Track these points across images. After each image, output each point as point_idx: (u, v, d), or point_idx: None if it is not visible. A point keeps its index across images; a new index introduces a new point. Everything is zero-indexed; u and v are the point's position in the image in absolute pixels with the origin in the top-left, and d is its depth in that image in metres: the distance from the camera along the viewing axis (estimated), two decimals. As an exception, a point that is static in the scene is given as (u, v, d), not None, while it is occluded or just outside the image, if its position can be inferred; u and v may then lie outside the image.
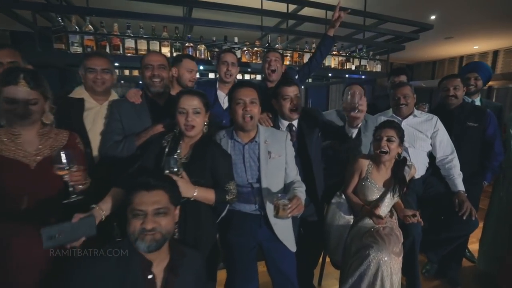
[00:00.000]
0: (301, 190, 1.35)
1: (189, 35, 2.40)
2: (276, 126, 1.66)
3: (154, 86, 1.55)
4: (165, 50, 2.34)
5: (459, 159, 1.82)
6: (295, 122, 1.66)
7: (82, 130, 1.48)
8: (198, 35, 2.59)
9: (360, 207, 1.54)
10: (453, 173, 1.79)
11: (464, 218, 1.62)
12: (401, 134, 1.51)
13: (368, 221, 1.50)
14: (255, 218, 1.35)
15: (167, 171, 1.13)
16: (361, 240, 1.41)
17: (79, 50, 2.08)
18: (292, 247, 1.36)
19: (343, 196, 1.65)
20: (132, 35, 2.22)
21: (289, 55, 2.72)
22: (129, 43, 2.23)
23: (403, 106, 1.84)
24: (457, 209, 1.67)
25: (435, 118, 1.88)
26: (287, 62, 2.70)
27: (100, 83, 1.52)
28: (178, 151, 1.30)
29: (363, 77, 3.03)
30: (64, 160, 1.06)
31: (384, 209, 1.51)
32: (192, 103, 1.23)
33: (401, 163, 1.53)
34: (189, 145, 1.30)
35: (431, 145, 1.87)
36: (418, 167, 1.84)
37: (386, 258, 1.31)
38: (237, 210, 1.39)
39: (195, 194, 1.16)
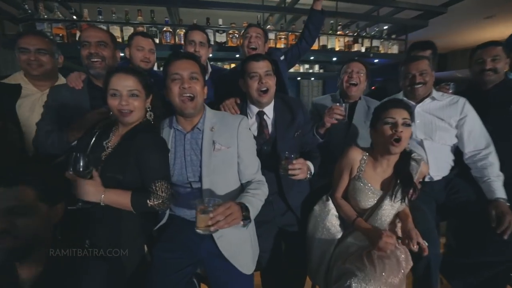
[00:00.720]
0: (255, 193, 0.99)
1: (166, 18, 2.16)
2: (244, 114, 1.32)
3: (94, 68, 1.30)
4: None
5: (498, 156, 1.33)
6: (267, 110, 1.31)
7: (14, 119, 1.29)
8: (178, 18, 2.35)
9: (351, 218, 1.14)
10: (488, 173, 1.30)
11: (505, 237, 1.14)
12: (412, 119, 1.09)
13: (360, 237, 1.10)
14: (192, 235, 1.01)
15: (71, 172, 0.87)
16: (345, 263, 1.02)
17: (48, 39, 1.94)
18: (245, 268, 1.01)
19: (331, 202, 1.25)
20: (103, 20, 2.04)
21: (283, 37, 2.36)
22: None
23: (420, 86, 1.39)
24: (494, 224, 1.18)
25: (462, 100, 1.40)
26: (281, 45, 2.35)
27: (36, 66, 1.31)
28: (106, 140, 1.04)
29: (375, 60, 2.56)
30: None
31: (383, 221, 1.10)
32: (126, 84, 0.97)
33: (405, 156, 1.10)
34: (121, 134, 1.03)
35: (456, 137, 1.40)
36: (438, 165, 1.39)
37: None
38: (176, 216, 1.08)
39: (102, 197, 0.88)
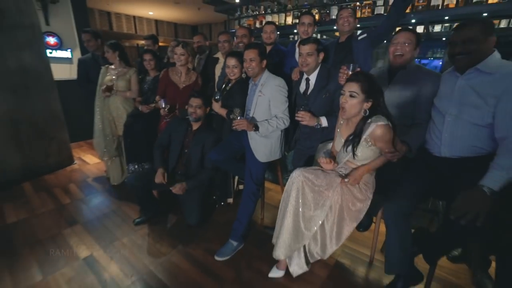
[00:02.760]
0: (270, 121, 1.81)
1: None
2: (301, 78, 2.00)
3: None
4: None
5: None
6: (312, 77, 1.90)
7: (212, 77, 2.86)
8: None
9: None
10: (496, 159, 1.12)
11: (452, 217, 1.11)
12: (366, 88, 1.32)
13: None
14: (244, 132, 1.96)
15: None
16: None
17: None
18: (259, 158, 1.91)
19: (325, 144, 1.74)
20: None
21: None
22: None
23: (461, 56, 1.30)
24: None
25: None
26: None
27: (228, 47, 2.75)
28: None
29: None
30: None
31: (341, 160, 1.51)
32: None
33: (362, 119, 1.36)
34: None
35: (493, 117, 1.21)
36: (452, 143, 1.33)
37: (298, 175, 1.51)
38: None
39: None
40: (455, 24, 2.06)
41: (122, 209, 2.49)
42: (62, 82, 3.83)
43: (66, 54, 4.62)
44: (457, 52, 1.29)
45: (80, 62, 3.07)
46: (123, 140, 2.75)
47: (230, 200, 2.57)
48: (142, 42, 7.89)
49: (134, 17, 8.88)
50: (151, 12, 8.54)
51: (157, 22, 9.64)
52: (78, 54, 4.63)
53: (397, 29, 1.70)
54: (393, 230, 1.42)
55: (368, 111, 1.38)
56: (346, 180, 1.45)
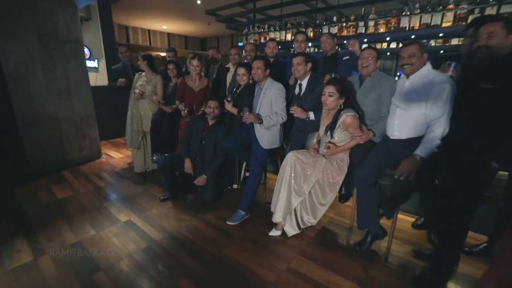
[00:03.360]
0: (271, 116, 2.34)
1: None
2: (296, 83, 2.54)
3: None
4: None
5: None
6: (303, 82, 2.43)
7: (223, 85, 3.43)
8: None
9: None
10: (426, 137, 1.64)
11: (396, 176, 1.62)
12: (340, 89, 1.86)
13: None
14: (251, 125, 2.49)
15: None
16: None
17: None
18: (263, 145, 2.43)
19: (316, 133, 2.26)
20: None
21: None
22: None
23: (407, 66, 1.83)
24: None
25: (438, 78, 1.67)
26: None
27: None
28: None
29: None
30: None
31: (322, 143, 2.03)
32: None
33: (337, 111, 1.89)
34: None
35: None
36: (401, 128, 1.84)
37: (291, 156, 2.03)
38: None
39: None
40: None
41: (149, 191, 3.01)
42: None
43: (94, 64, 5.28)
44: (404, 63, 1.82)
45: (112, 70, 3.68)
46: (149, 133, 3.30)
47: (236, 186, 3.08)
48: (156, 53, 8.61)
49: (149, 30, 9.67)
50: (165, 26, 9.31)
51: (169, 35, 10.42)
52: (103, 64, 5.30)
53: (363, 46, 2.24)
54: (362, 193, 1.91)
55: (342, 105, 1.91)
56: (325, 150, 1.96)
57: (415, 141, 1.75)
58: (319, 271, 1.80)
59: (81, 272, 1.75)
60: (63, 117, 3.62)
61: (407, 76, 1.85)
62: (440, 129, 1.61)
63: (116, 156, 4.30)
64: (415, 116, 1.77)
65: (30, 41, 3.21)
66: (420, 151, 1.63)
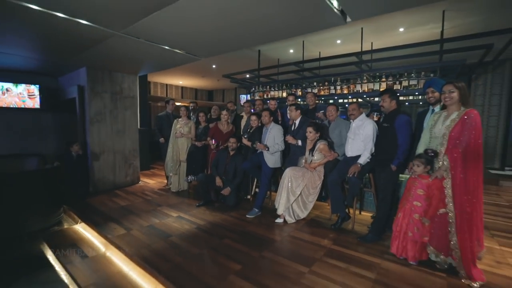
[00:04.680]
0: (275, 145, 3.64)
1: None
2: (292, 123, 3.92)
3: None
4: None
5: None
6: (297, 122, 3.81)
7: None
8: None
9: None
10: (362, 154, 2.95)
11: (349, 175, 2.88)
12: (316, 129, 3.22)
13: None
14: (261, 152, 3.79)
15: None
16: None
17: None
18: (269, 164, 3.67)
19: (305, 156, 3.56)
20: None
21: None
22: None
23: (351, 115, 3.22)
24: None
25: (367, 122, 3.04)
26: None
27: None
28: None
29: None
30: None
31: (309, 161, 3.31)
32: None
33: (317, 140, 3.23)
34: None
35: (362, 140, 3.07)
36: (353, 150, 3.14)
37: (288, 170, 3.26)
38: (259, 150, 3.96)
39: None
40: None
41: (185, 202, 4.13)
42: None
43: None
44: (350, 114, 3.22)
45: (158, 117, 5.09)
46: (185, 161, 4.54)
47: (249, 197, 4.23)
48: (173, 103, 10.25)
49: (166, 84, 11.56)
50: (181, 82, 11.22)
51: (182, 88, 12.35)
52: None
53: (330, 102, 3.68)
54: (332, 190, 3.12)
55: (318, 137, 3.24)
56: (307, 165, 3.22)
57: (358, 157, 3.05)
58: (307, 236, 2.90)
59: (161, 237, 2.82)
60: (118, 150, 4.88)
61: (353, 120, 3.24)
62: (369, 149, 2.93)
63: (150, 181, 5.44)
64: (358, 143, 3.11)
65: (106, 97, 4.66)
66: (360, 161, 2.92)
